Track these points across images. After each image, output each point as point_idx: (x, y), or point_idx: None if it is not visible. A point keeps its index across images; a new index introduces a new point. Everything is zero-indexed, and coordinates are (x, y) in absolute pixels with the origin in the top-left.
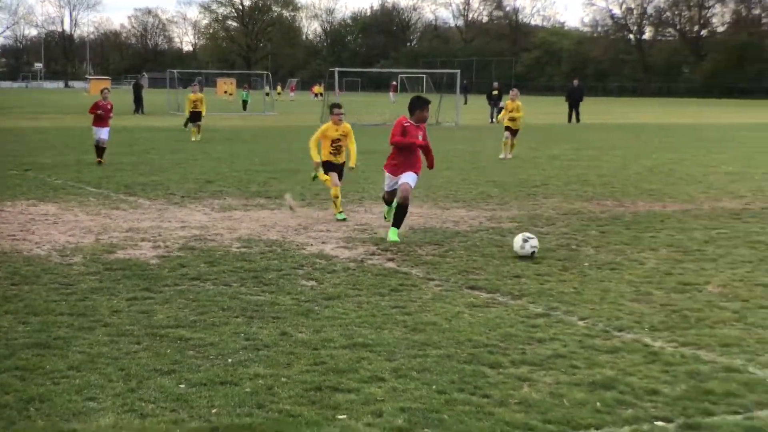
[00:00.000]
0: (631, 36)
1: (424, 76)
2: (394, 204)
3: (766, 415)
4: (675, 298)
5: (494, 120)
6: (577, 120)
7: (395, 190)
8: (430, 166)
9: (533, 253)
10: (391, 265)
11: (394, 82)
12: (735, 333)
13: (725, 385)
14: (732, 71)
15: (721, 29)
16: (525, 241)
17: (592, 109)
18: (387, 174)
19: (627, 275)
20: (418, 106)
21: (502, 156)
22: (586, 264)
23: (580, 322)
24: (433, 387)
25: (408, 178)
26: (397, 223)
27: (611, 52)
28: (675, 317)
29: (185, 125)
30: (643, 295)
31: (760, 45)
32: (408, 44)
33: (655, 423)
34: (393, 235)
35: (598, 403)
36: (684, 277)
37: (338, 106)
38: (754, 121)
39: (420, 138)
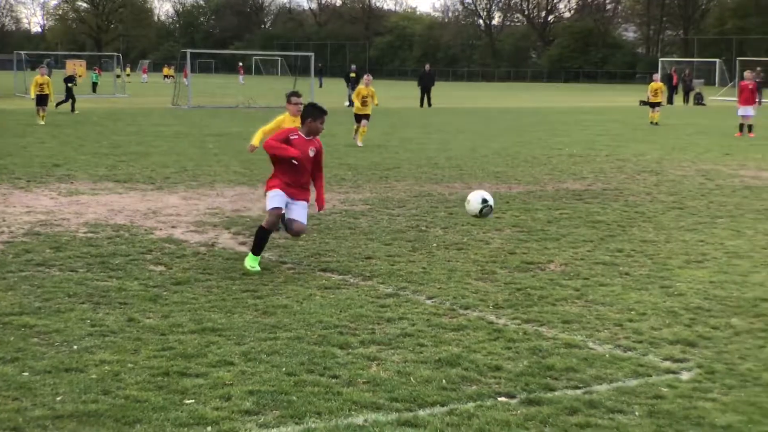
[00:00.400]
0: (481, 21)
1: (279, 58)
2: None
3: (605, 389)
4: (518, 276)
5: (351, 103)
6: (429, 104)
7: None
8: (320, 205)
9: (483, 210)
10: (242, 249)
11: (241, 63)
12: (576, 310)
13: (566, 361)
14: (577, 56)
15: (567, 15)
16: (484, 202)
17: (443, 93)
18: (277, 191)
19: (473, 255)
20: (311, 114)
21: (360, 144)
22: (435, 244)
23: (428, 301)
24: (283, 369)
25: (302, 216)
26: (256, 247)
27: (462, 38)
28: (518, 295)
29: (56, 105)
30: (488, 274)
31: (604, 30)
32: (262, 26)
33: (499, 399)
34: (249, 263)
35: (443, 380)
36: (527, 256)
37: (297, 94)
38: (598, 104)
39: (312, 154)
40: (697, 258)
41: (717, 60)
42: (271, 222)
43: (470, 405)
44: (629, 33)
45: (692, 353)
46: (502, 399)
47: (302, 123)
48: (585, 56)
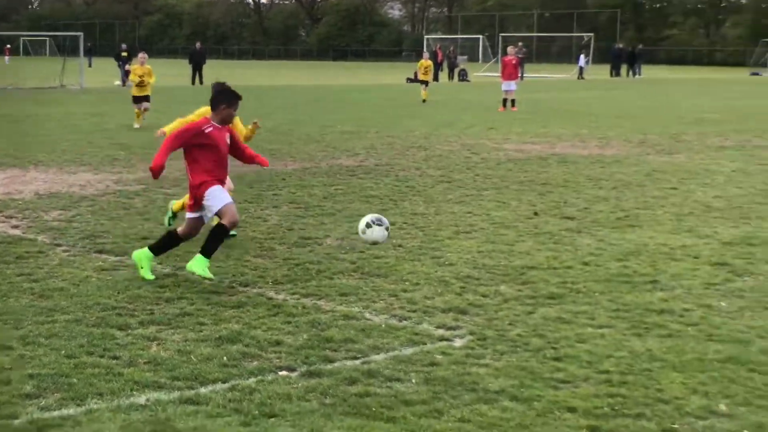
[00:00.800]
0: (250, 0)
1: (47, 39)
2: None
3: (382, 358)
4: (296, 252)
5: (124, 83)
6: (201, 82)
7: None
8: (263, 160)
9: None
10: (15, 232)
11: (9, 46)
12: (352, 283)
13: (344, 332)
14: (345, 34)
15: None
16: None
17: (215, 71)
18: (216, 186)
19: (251, 232)
20: (225, 100)
21: (136, 126)
22: (212, 223)
23: (206, 280)
24: (62, 352)
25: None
26: (210, 250)
27: (231, 16)
28: (297, 270)
29: None
30: (266, 251)
31: (370, 9)
32: (30, 7)
33: (280, 373)
34: (201, 267)
35: (224, 357)
36: (305, 231)
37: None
38: (366, 82)
39: (228, 141)
40: (465, 229)
41: (480, 36)
42: (233, 218)
43: (252, 380)
44: (395, 11)
45: (464, 320)
46: (283, 373)
47: (214, 110)
48: (352, 34)
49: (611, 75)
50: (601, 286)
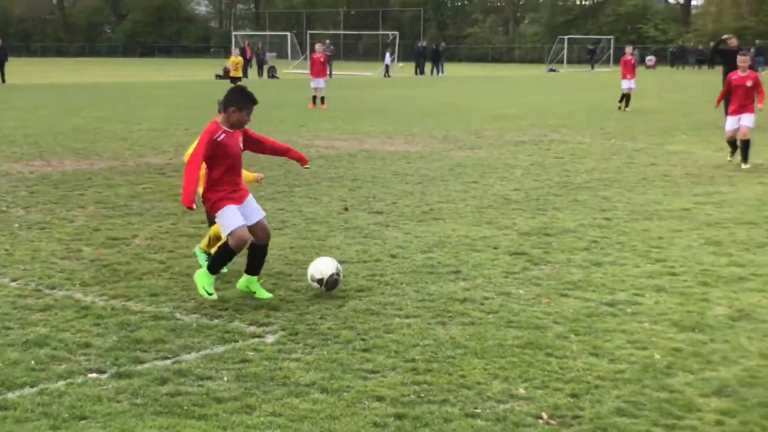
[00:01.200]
0: None
1: None
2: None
3: (194, 357)
4: (104, 253)
5: None
6: (3, 80)
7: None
8: (304, 158)
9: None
10: None
11: None
12: (162, 283)
13: (154, 333)
14: (152, 30)
15: None
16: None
17: (17, 69)
18: (230, 207)
19: (57, 234)
20: (236, 103)
21: None
22: (17, 225)
23: (12, 284)
24: None
25: (260, 212)
26: (214, 267)
27: (34, 12)
28: (105, 272)
29: None
30: (73, 252)
31: (177, 5)
32: None
33: (89, 375)
34: (203, 282)
35: (32, 361)
36: (112, 232)
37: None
38: (174, 79)
39: (242, 144)
40: (277, 225)
41: (288, 33)
42: (241, 242)
43: (61, 383)
44: (201, 7)
45: (276, 317)
46: (93, 375)
47: (224, 111)
48: (159, 30)
49: (416, 73)
50: (407, 277)
